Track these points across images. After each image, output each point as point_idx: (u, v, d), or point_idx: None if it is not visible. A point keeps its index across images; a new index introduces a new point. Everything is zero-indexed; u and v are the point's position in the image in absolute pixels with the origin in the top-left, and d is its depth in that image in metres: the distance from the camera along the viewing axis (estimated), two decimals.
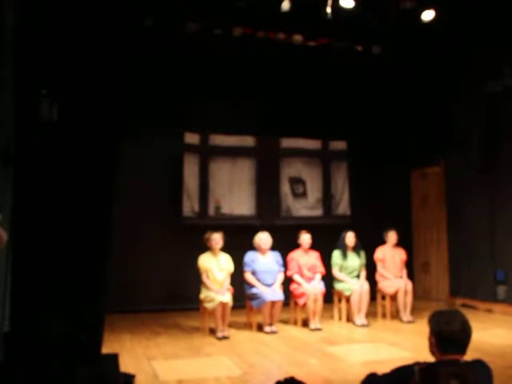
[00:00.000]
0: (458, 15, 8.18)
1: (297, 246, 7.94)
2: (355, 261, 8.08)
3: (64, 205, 3.61)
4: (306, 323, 7.60)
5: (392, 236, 8.34)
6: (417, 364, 2.52)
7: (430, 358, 2.61)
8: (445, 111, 9.68)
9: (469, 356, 2.60)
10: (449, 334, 2.53)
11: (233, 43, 8.76)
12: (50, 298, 3.36)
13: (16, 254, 3.39)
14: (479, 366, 2.59)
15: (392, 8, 7.85)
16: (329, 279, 8.04)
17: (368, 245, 8.27)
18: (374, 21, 7.95)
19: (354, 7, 7.71)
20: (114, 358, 3.82)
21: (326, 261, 8.03)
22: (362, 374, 2.94)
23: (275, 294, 7.28)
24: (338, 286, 8.02)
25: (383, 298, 8.30)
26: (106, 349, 5.00)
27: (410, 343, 6.50)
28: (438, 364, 2.51)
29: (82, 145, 3.60)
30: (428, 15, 8.03)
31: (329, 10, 7.62)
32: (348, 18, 7.88)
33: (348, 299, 7.90)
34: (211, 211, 9.53)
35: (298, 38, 8.91)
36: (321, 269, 7.90)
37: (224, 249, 7.37)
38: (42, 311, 3.31)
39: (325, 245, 8.17)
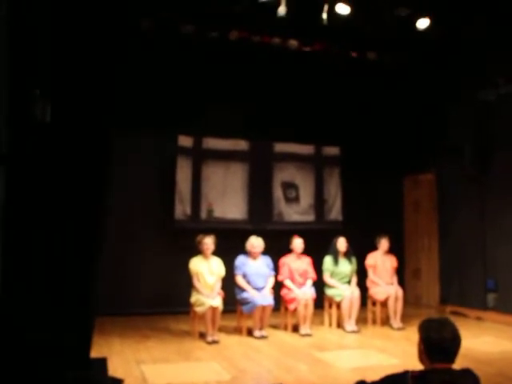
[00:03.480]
0: (453, 24, 8.22)
1: (288, 251, 7.93)
2: (346, 267, 8.08)
3: (57, 206, 3.60)
4: (296, 328, 7.59)
5: (384, 243, 8.35)
6: (407, 372, 2.52)
7: (419, 366, 2.61)
8: (438, 119, 9.72)
9: (458, 363, 2.61)
10: (438, 342, 2.53)
11: (229, 47, 8.77)
12: (39, 301, 3.34)
13: (6, 256, 3.37)
14: (468, 374, 2.59)
15: (387, 15, 7.88)
16: (320, 285, 8.04)
17: (359, 251, 8.28)
18: (369, 28, 7.99)
19: (350, 14, 7.74)
20: (102, 362, 3.79)
21: (318, 266, 8.03)
22: (351, 380, 2.94)
23: (266, 298, 7.27)
24: (328, 292, 8.02)
25: (374, 304, 8.31)
26: (95, 352, 4.98)
27: (399, 350, 6.51)
28: (430, 372, 2.51)
29: (76, 146, 3.59)
30: (423, 23, 8.07)
31: (325, 15, 7.64)
32: (344, 25, 7.90)
33: (339, 305, 7.90)
34: (203, 215, 9.50)
35: (293, 43, 8.93)
36: (312, 275, 7.89)
37: (216, 253, 7.36)
38: (31, 313, 3.29)
39: (316, 250, 8.17)
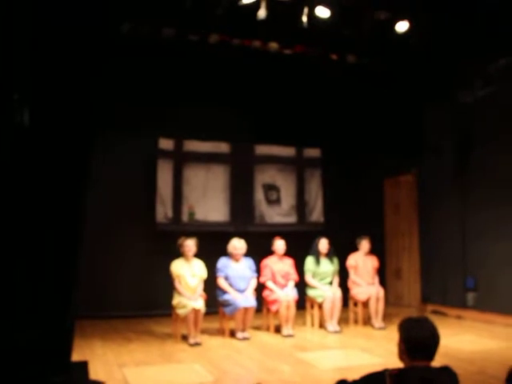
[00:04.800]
0: (432, 27, 8.31)
1: (270, 252, 7.96)
2: (328, 267, 8.13)
3: (36, 209, 3.58)
4: (278, 329, 7.62)
5: (365, 244, 8.42)
6: (386, 370, 2.56)
7: (401, 364, 2.65)
8: (417, 120, 9.82)
9: (438, 361, 2.65)
10: (418, 341, 2.58)
11: (209, 50, 8.78)
12: (18, 304, 3.32)
13: None
14: (446, 372, 2.64)
15: (367, 18, 7.95)
16: (302, 286, 8.07)
17: (341, 252, 8.34)
18: (349, 30, 8.04)
19: (330, 17, 7.80)
20: (83, 366, 3.78)
21: (300, 267, 8.07)
22: (334, 380, 2.97)
23: (248, 300, 7.29)
24: (310, 293, 8.06)
25: (355, 304, 8.36)
26: (76, 355, 4.95)
27: (381, 349, 6.56)
28: (409, 369, 2.56)
29: (55, 149, 3.58)
30: (402, 26, 8.15)
31: (305, 18, 7.69)
32: (323, 28, 7.95)
33: (320, 306, 7.94)
34: (185, 217, 9.50)
35: (273, 45, 8.96)
36: (294, 276, 7.93)
37: (197, 255, 7.36)
38: (9, 317, 3.27)
39: (298, 252, 8.21)
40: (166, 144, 9.49)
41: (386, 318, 8.18)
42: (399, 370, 2.53)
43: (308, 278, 8.07)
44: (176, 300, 7.11)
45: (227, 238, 7.74)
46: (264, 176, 10.09)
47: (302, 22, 7.71)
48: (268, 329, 7.79)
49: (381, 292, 8.17)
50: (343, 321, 8.10)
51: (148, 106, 9.12)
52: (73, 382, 3.31)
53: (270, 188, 10.10)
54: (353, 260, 8.41)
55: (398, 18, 8.11)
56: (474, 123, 8.70)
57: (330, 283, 8.10)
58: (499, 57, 8.10)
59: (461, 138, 8.89)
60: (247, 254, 7.67)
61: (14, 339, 3.20)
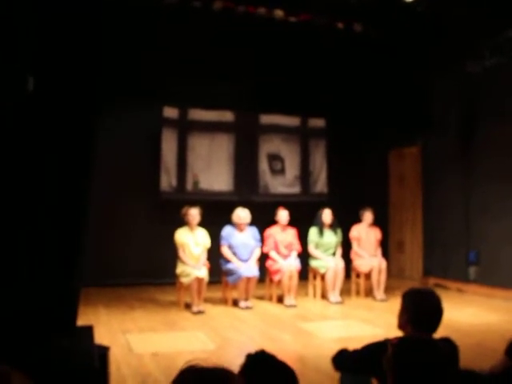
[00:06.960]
0: None
1: (273, 223, 7.97)
2: (331, 238, 8.14)
3: (39, 177, 3.58)
4: (281, 299, 7.67)
5: (368, 215, 8.41)
6: (387, 340, 2.57)
7: (400, 335, 2.66)
8: (423, 91, 9.72)
9: (439, 333, 2.67)
10: (425, 312, 2.59)
11: (213, 16, 8.66)
12: (24, 271, 3.35)
13: None
14: (447, 343, 2.65)
15: None
16: (305, 256, 8.10)
17: (344, 223, 8.34)
18: None
19: None
20: (88, 330, 3.82)
21: (303, 238, 8.08)
22: (335, 350, 2.99)
23: (251, 269, 7.33)
24: (313, 264, 8.09)
25: (358, 276, 8.40)
26: (81, 321, 4.99)
27: (382, 321, 6.61)
28: (410, 339, 2.56)
29: (59, 118, 3.55)
30: None
31: None
32: None
33: (323, 277, 7.98)
34: (189, 186, 9.50)
35: (279, 13, 8.83)
36: (297, 246, 7.95)
37: (201, 224, 7.38)
38: (15, 283, 3.30)
39: (302, 222, 8.22)
40: (170, 112, 9.44)
41: (388, 290, 8.22)
42: (401, 339, 2.55)
43: (311, 248, 8.09)
44: (180, 269, 7.16)
45: (231, 207, 7.75)
46: (268, 146, 10.04)
47: None
48: (270, 298, 7.85)
49: (383, 264, 8.20)
50: (345, 292, 8.14)
51: (153, 74, 9.03)
52: (78, 346, 3.35)
53: (274, 158, 10.06)
54: (356, 231, 8.42)
55: None
56: (481, 95, 8.60)
57: (333, 254, 8.13)
58: (509, 27, 7.96)
59: (467, 110, 8.81)
60: (250, 224, 7.68)
61: (19, 303, 3.24)
